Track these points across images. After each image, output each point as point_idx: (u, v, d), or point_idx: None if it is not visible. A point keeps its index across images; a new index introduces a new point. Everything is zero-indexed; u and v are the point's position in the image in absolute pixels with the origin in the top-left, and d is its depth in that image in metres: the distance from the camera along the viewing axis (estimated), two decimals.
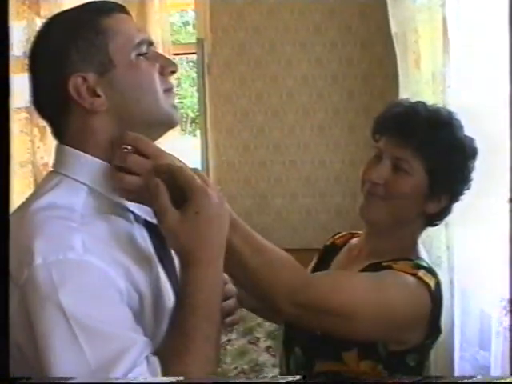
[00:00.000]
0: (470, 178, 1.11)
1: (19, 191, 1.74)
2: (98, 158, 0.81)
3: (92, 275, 0.72)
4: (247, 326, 2.34)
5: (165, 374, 0.72)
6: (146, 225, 0.84)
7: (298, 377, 0.80)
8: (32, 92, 0.83)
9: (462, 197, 1.13)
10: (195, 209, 0.76)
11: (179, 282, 0.79)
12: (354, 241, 1.24)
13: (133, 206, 0.82)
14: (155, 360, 0.72)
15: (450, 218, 1.22)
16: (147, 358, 0.72)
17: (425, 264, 1.09)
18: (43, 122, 0.88)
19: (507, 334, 1.38)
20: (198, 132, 3.12)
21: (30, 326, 0.69)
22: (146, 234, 0.84)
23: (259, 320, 2.19)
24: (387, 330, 1.02)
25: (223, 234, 0.80)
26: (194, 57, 2.88)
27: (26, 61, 0.84)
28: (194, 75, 2.81)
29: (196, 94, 2.88)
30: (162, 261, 0.85)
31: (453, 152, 1.07)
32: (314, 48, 2.64)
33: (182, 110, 4.33)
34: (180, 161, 0.82)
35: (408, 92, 1.89)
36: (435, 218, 1.14)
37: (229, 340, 2.35)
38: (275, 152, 2.71)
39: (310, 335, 1.08)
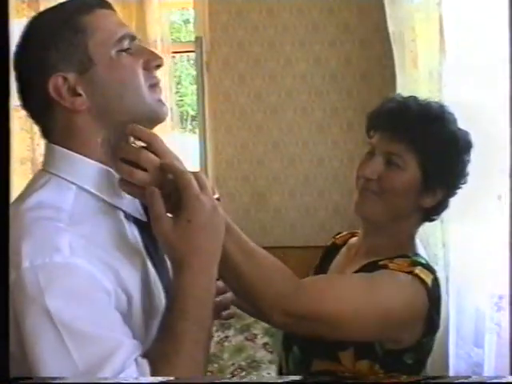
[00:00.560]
0: (466, 172, 1.10)
1: (19, 188, 1.75)
2: (85, 156, 0.80)
3: (78, 278, 0.72)
4: (244, 323, 2.35)
5: (153, 376, 0.72)
6: (137, 223, 0.84)
7: (291, 377, 0.80)
8: (18, 92, 0.83)
9: (459, 193, 1.11)
10: (187, 217, 0.76)
11: (172, 285, 0.79)
12: (353, 240, 1.24)
13: (123, 205, 0.82)
14: (144, 362, 0.72)
15: (446, 215, 1.21)
16: (136, 360, 0.72)
17: (422, 260, 1.08)
18: None
19: (499, 330, 1.38)
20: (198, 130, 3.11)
21: (18, 328, 0.69)
22: (136, 233, 0.84)
23: None
24: (383, 332, 1.02)
25: (216, 241, 0.80)
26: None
27: None
28: (195, 73, 2.81)
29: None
30: (153, 259, 0.84)
31: (445, 145, 1.06)
32: (312, 47, 2.64)
33: (183, 108, 4.32)
34: (180, 161, 0.81)
35: (405, 90, 1.88)
36: (432, 212, 1.13)
37: (226, 336, 2.36)
38: (274, 150, 2.71)
39: None
